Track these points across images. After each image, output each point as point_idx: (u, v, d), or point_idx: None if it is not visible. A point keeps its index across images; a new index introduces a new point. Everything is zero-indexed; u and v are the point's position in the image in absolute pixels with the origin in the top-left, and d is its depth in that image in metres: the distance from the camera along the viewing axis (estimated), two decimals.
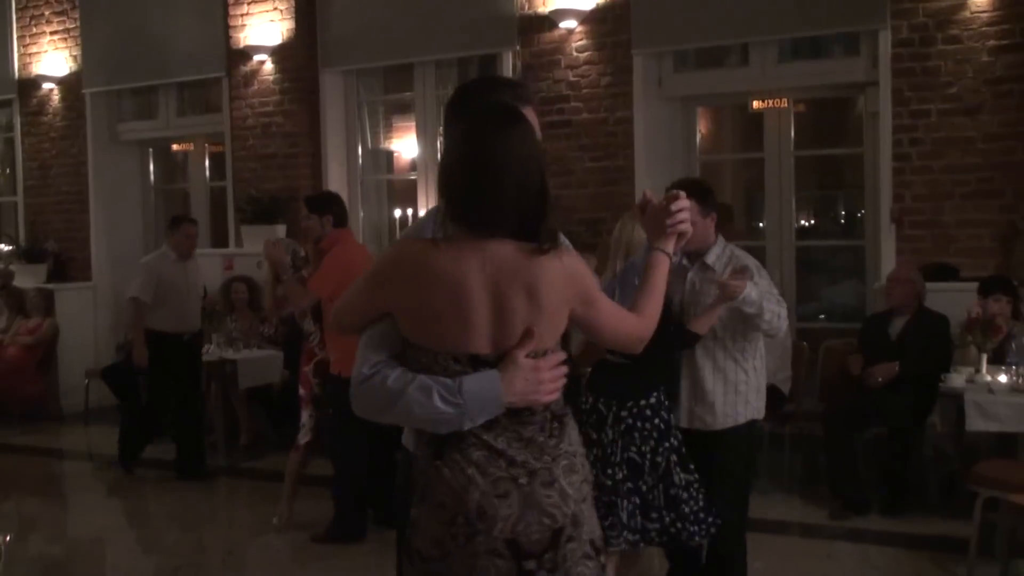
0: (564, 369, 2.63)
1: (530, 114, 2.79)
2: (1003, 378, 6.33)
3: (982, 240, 7.68)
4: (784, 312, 4.72)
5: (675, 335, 4.64)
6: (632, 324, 2.84)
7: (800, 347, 7.83)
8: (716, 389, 4.77)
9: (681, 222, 2.97)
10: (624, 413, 4.71)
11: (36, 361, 10.73)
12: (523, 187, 2.56)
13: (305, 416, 6.81)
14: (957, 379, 6.48)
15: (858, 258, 8.71)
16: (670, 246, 2.96)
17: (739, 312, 4.62)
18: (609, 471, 4.69)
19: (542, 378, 2.59)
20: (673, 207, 2.95)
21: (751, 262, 4.80)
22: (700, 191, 4.71)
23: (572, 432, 2.69)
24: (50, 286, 11.24)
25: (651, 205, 3.03)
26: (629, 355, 4.13)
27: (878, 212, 8.09)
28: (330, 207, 6.69)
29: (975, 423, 6.17)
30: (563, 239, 2.70)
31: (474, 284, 2.53)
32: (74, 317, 11.15)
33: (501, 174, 2.54)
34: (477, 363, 2.57)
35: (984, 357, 6.52)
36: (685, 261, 4.83)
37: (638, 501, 4.64)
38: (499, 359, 2.57)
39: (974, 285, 7.08)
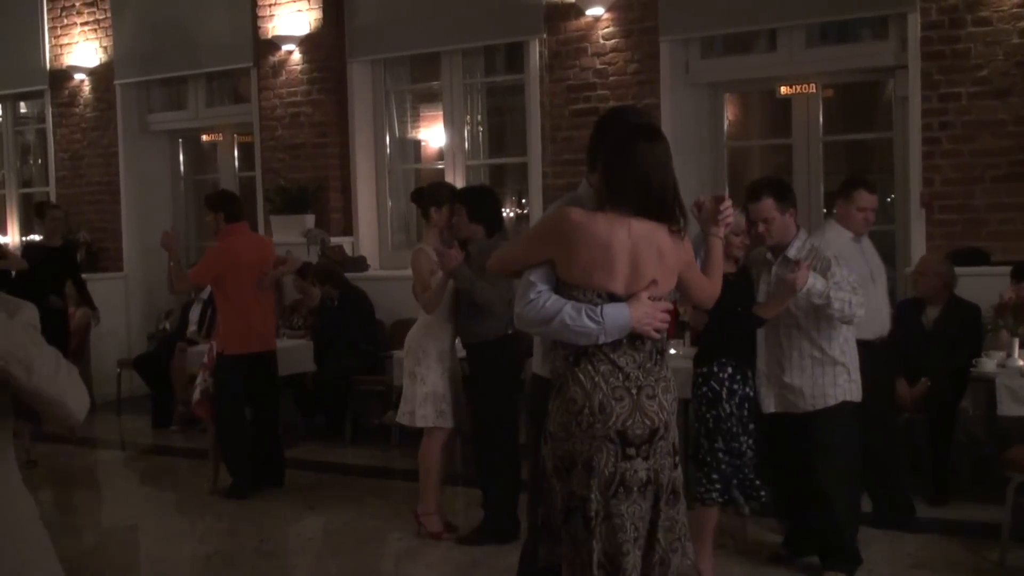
0: (668, 316, 3.69)
1: None
2: None
3: (1014, 224, 7.62)
4: (857, 299, 5.11)
5: (742, 317, 5.17)
6: (708, 285, 3.99)
7: None
8: (804, 376, 5.23)
9: (728, 216, 4.04)
10: (695, 378, 5.32)
11: (70, 350, 10.81)
12: (662, 185, 3.66)
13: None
14: (988, 364, 6.44)
15: (888, 243, 8.64)
16: (720, 231, 4.05)
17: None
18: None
19: (655, 314, 3.64)
20: (722, 207, 4.01)
21: (831, 253, 5.23)
22: (779, 188, 5.31)
23: (668, 364, 3.79)
24: (82, 276, 11.32)
25: (705, 205, 4.08)
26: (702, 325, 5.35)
27: (908, 197, 8.04)
28: (222, 206, 7.65)
29: (1007, 407, 6.14)
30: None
31: (619, 245, 3.62)
32: (106, 307, 11.20)
33: (648, 175, 3.64)
34: (613, 299, 3.62)
35: (1016, 341, 6.47)
36: (770, 256, 5.33)
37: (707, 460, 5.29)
38: (628, 298, 3.63)
39: (1006, 269, 7.02)
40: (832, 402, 5.25)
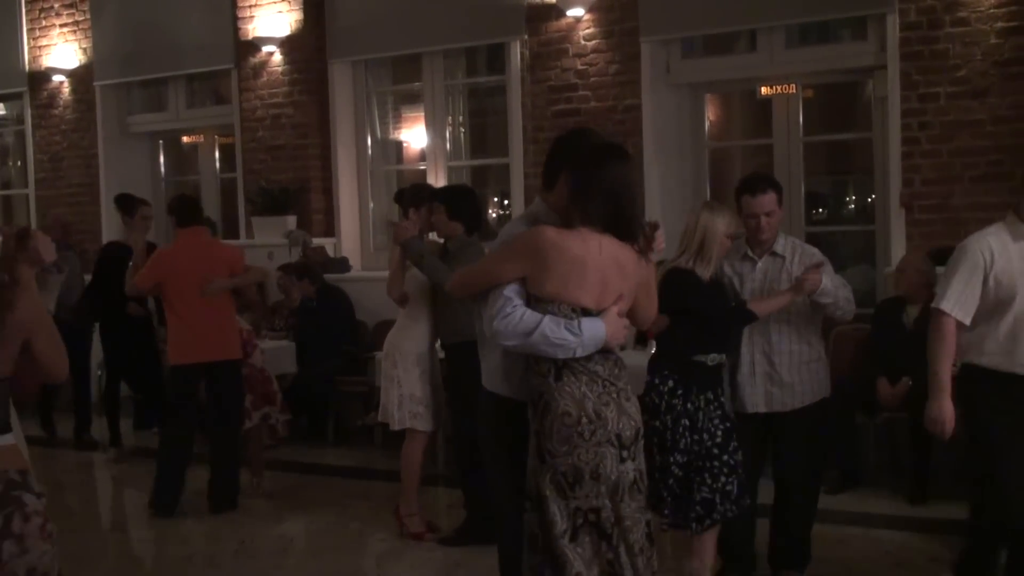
0: (627, 332, 3.92)
1: None
2: None
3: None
4: (851, 295, 5.21)
5: (736, 313, 5.08)
6: (651, 307, 4.12)
7: None
8: (793, 373, 5.18)
9: (660, 244, 4.02)
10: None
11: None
12: (631, 205, 3.83)
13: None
14: None
15: (868, 243, 8.69)
16: (653, 256, 4.06)
17: (812, 300, 5.07)
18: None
19: (621, 330, 3.81)
20: (656, 234, 3.99)
21: (817, 251, 5.26)
22: (777, 184, 5.31)
23: (626, 370, 3.91)
24: (62, 277, 11.24)
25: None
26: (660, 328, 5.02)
27: (888, 197, 8.07)
28: (173, 210, 7.47)
29: None
30: None
31: (591, 262, 3.75)
32: None
33: (619, 194, 3.78)
34: (585, 313, 3.75)
35: None
36: (751, 253, 5.28)
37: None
38: (599, 312, 3.77)
39: None
40: (819, 397, 5.28)
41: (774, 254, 5.23)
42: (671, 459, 4.90)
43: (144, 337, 9.03)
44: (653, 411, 4.92)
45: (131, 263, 7.60)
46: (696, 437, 4.93)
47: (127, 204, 8.86)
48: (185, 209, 7.45)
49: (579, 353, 3.71)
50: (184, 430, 7.35)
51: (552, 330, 3.67)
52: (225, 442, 7.36)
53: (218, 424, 7.36)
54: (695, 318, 4.96)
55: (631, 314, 4.00)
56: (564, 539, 3.74)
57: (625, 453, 3.77)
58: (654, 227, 4.07)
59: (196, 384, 7.30)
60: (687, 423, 4.93)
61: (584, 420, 3.71)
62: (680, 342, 5.00)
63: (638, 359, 6.04)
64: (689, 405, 4.96)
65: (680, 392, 4.95)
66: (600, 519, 3.76)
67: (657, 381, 5.00)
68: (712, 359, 5.02)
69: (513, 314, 3.72)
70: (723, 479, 4.90)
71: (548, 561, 3.79)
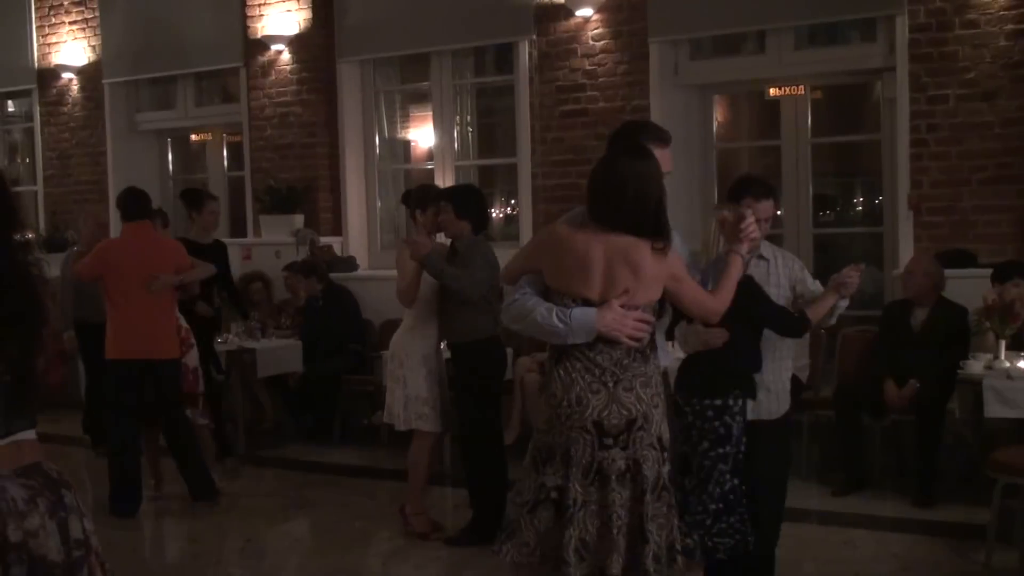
0: (645, 327, 3.92)
1: (665, 153, 4.14)
2: (1022, 364, 6.31)
3: (1000, 226, 7.65)
4: None
5: (800, 321, 4.77)
6: (709, 300, 4.14)
7: (818, 335, 7.79)
8: (779, 380, 4.90)
9: (752, 232, 4.27)
10: (687, 408, 4.60)
11: (57, 350, 10.70)
12: (638, 200, 3.86)
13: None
14: (975, 366, 6.47)
15: (876, 245, 8.68)
16: (744, 248, 4.27)
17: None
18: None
19: (626, 321, 3.87)
20: (743, 224, 4.24)
21: (795, 256, 5.07)
22: (774, 191, 5.08)
23: (652, 362, 4.01)
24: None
25: (727, 220, 4.33)
26: (709, 352, 4.58)
27: (896, 199, 8.06)
28: (119, 203, 7.41)
29: (994, 409, 6.16)
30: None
31: (595, 258, 3.89)
32: None
33: (622, 190, 3.88)
34: (588, 304, 3.90)
35: (1002, 343, 6.50)
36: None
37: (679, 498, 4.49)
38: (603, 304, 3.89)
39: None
40: (788, 407, 4.97)
41: (760, 257, 4.90)
42: (743, 486, 4.60)
43: (208, 338, 8.44)
44: (724, 437, 4.56)
45: (76, 249, 7.55)
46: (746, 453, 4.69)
47: (194, 199, 8.56)
48: (132, 202, 7.31)
49: (570, 340, 3.89)
50: (131, 429, 7.25)
51: (543, 317, 3.91)
52: (178, 435, 7.32)
53: (165, 422, 7.32)
54: (760, 326, 4.64)
55: (683, 309, 4.16)
56: (524, 509, 3.98)
57: (609, 441, 3.89)
58: (740, 217, 4.23)
59: (135, 380, 7.13)
60: (744, 439, 4.65)
61: (565, 403, 3.92)
62: (747, 356, 4.66)
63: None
64: (745, 419, 4.65)
65: (745, 408, 4.65)
66: (563, 497, 3.90)
67: (731, 403, 4.59)
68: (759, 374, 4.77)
69: (518, 301, 4.01)
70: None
71: (508, 527, 4.08)
